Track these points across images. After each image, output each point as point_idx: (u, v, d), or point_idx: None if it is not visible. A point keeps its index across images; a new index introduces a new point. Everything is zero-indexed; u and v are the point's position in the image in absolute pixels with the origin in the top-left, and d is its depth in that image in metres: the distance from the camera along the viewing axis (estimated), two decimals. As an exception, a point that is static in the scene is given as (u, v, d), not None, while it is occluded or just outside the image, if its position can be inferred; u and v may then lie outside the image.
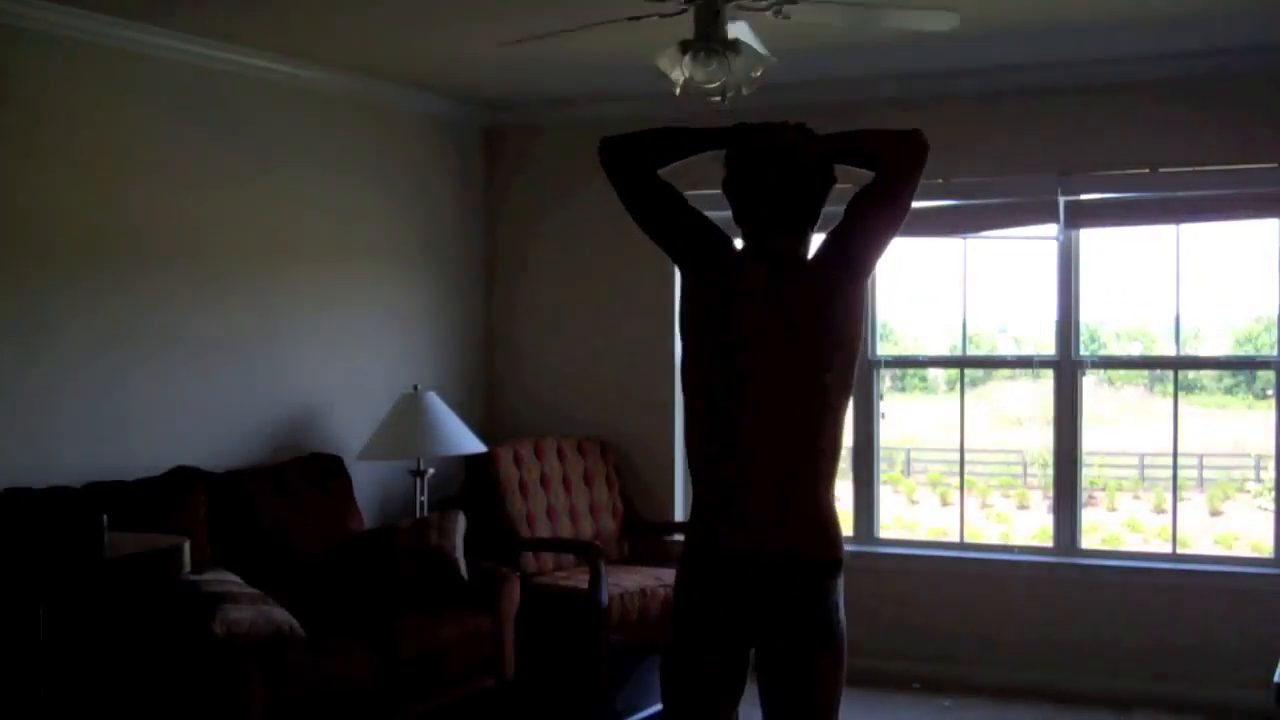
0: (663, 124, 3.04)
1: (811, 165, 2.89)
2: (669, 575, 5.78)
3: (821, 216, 2.98)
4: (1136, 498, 12.48)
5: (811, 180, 2.90)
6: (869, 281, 2.91)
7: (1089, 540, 6.21)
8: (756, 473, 2.79)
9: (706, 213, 3.00)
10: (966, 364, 6.72)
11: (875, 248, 2.88)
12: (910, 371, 10.90)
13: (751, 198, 2.91)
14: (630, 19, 3.93)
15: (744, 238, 2.98)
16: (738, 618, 2.81)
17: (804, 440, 2.80)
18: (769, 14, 3.89)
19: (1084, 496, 6.10)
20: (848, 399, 2.89)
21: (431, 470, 5.85)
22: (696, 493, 2.90)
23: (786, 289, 2.83)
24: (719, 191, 3.02)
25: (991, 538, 9.91)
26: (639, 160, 2.93)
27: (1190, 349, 6.47)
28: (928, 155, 2.89)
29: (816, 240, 2.99)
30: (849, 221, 2.89)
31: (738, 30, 3.90)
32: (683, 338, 2.96)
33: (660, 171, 2.96)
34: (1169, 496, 6.51)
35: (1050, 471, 6.06)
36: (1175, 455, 6.12)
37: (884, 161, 2.88)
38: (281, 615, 4.45)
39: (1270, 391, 5.79)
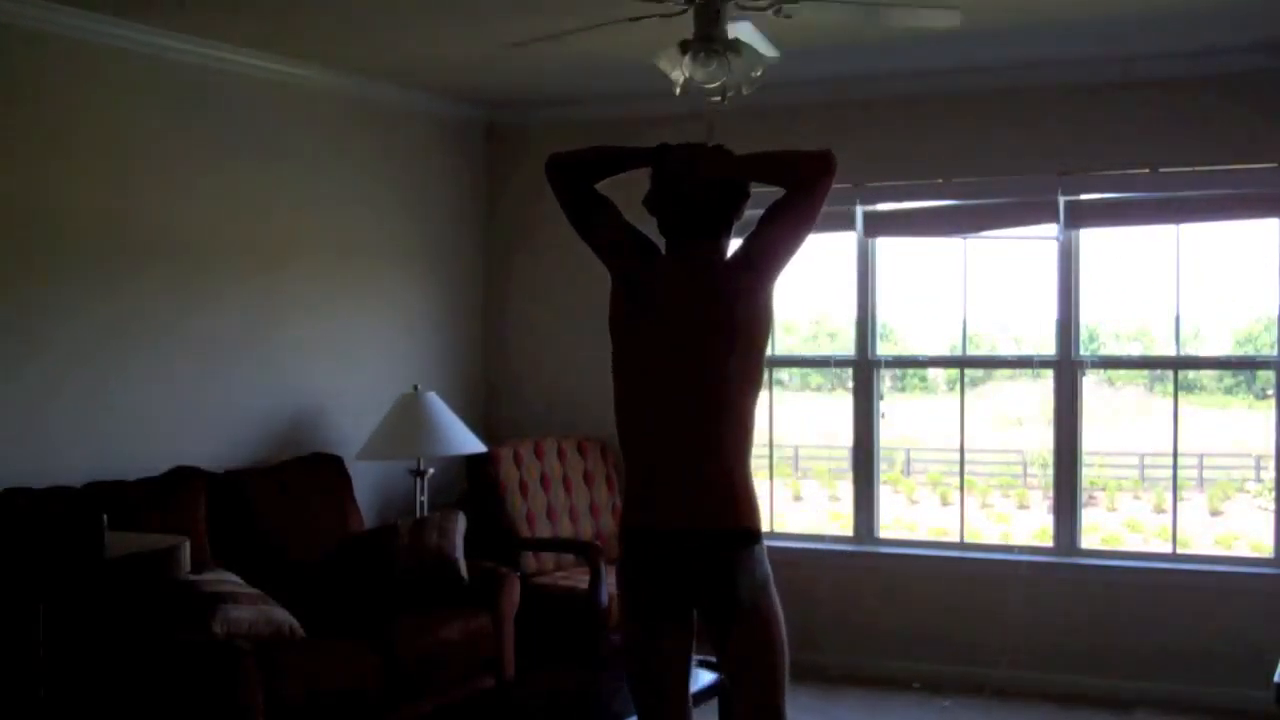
0: (599, 142, 3.31)
1: (723, 183, 3.18)
2: (669, 575, 5.79)
3: (739, 222, 3.26)
4: (1136, 498, 12.49)
5: (723, 196, 3.19)
6: (774, 284, 3.17)
7: (1089, 540, 6.21)
8: (672, 453, 3.08)
9: None
10: (966, 364, 6.71)
11: (778, 255, 3.14)
12: (910, 371, 10.90)
13: (670, 212, 3.21)
14: (632, 20, 3.93)
15: (666, 245, 3.26)
16: (672, 589, 3.07)
17: (711, 423, 3.07)
18: (769, 13, 3.89)
19: (1084, 496, 6.10)
20: (756, 388, 3.14)
21: (431, 470, 5.85)
22: (626, 474, 3.21)
23: (698, 289, 3.14)
24: None
25: (991, 538, 9.91)
26: (576, 175, 3.27)
27: (1190, 349, 6.47)
28: (833, 175, 3.12)
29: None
30: (757, 230, 3.17)
31: (740, 30, 3.90)
32: (612, 335, 3.26)
33: (598, 185, 3.29)
34: (1169, 496, 6.51)
35: (1050, 471, 6.06)
36: (1175, 455, 6.12)
37: (791, 180, 3.15)
38: (281, 615, 4.45)
39: (1270, 391, 5.78)
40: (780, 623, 3.11)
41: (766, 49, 4.06)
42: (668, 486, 3.06)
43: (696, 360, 3.07)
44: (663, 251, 3.26)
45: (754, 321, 3.10)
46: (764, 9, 3.87)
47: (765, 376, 3.13)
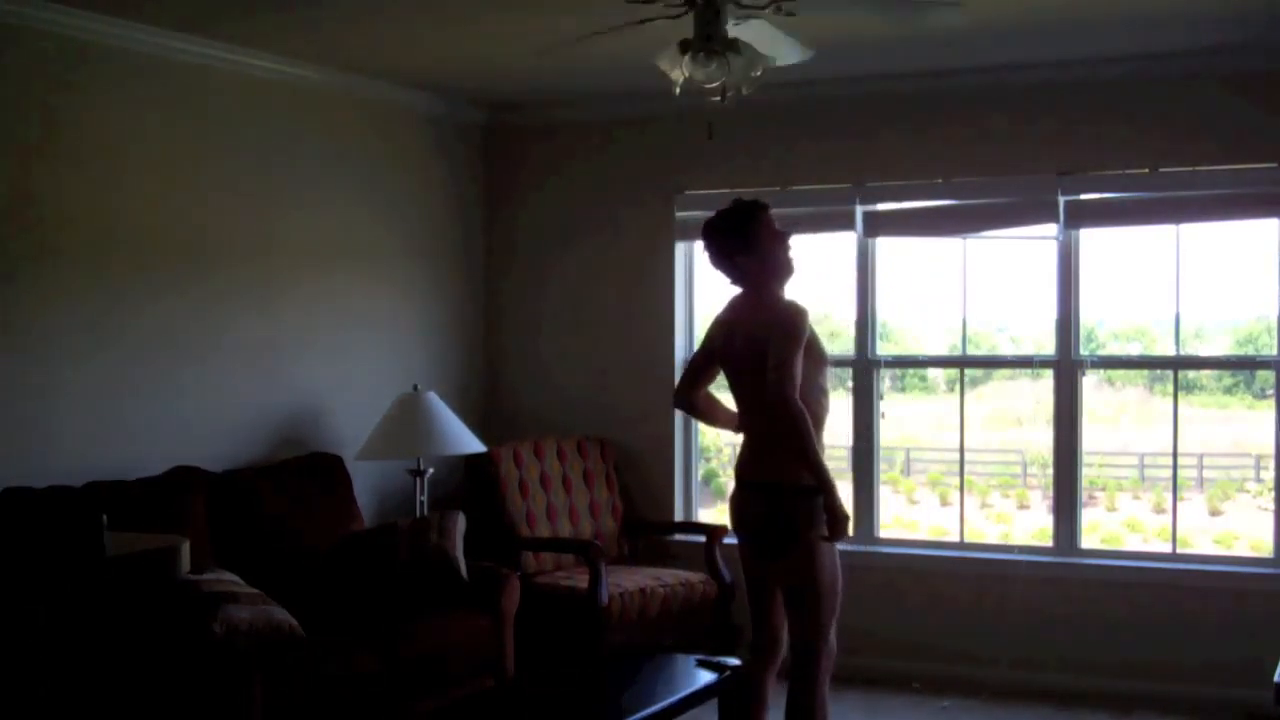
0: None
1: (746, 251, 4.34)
2: (669, 575, 5.82)
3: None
4: (1136, 498, 12.47)
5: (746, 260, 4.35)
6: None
7: (1089, 540, 6.21)
8: (760, 437, 4.35)
9: None
10: (966, 364, 6.71)
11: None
12: (910, 371, 10.89)
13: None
14: (643, 21, 3.92)
15: (732, 299, 4.44)
16: (759, 519, 4.31)
17: (768, 414, 4.22)
18: (769, 11, 3.88)
19: (1084, 496, 6.10)
20: (800, 386, 4.18)
21: (431, 470, 5.85)
22: (742, 445, 4.44)
23: (746, 338, 4.32)
24: None
25: (991, 538, 9.90)
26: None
27: (1190, 349, 6.47)
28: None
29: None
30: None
31: (755, 31, 3.89)
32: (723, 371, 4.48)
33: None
34: (1169, 496, 6.51)
35: (1050, 471, 6.06)
36: (1175, 455, 6.12)
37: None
38: (281, 615, 4.45)
39: (1270, 391, 5.78)
40: (823, 569, 4.22)
41: (790, 49, 4.04)
42: (759, 456, 4.33)
43: (752, 377, 4.27)
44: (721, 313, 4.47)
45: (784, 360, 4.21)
46: (763, 7, 3.86)
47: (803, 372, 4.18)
